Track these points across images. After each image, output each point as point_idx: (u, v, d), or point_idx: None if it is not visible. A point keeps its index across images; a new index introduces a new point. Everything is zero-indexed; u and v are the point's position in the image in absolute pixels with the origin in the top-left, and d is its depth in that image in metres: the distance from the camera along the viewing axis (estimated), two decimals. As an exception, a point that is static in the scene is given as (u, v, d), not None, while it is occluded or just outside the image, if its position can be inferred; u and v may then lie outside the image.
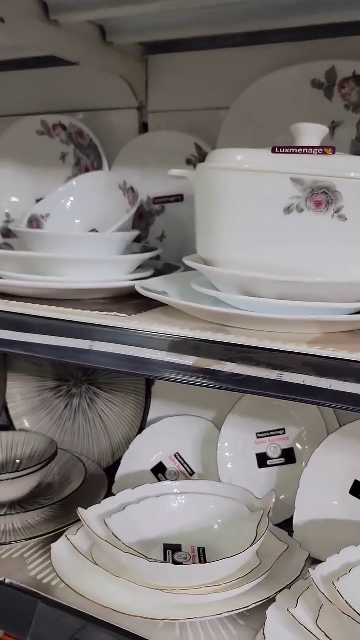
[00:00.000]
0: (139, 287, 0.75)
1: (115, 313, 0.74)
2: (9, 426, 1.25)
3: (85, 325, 0.70)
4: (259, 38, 0.98)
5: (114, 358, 0.68)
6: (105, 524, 0.84)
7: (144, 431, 1.08)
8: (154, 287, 0.76)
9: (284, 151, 0.66)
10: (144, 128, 1.10)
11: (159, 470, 1.08)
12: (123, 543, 0.80)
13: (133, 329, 0.68)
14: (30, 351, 0.72)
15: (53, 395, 1.23)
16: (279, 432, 1.02)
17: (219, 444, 1.02)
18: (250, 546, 0.79)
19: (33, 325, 0.73)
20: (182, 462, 1.08)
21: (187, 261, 0.76)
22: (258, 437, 1.02)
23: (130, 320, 0.71)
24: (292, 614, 0.72)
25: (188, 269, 0.93)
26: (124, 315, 0.73)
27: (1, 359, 1.27)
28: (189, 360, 0.63)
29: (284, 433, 1.02)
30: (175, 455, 1.08)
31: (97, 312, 0.75)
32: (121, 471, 1.06)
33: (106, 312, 0.74)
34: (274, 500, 0.88)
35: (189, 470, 1.08)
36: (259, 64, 0.98)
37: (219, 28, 0.98)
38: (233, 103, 0.98)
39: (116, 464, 1.11)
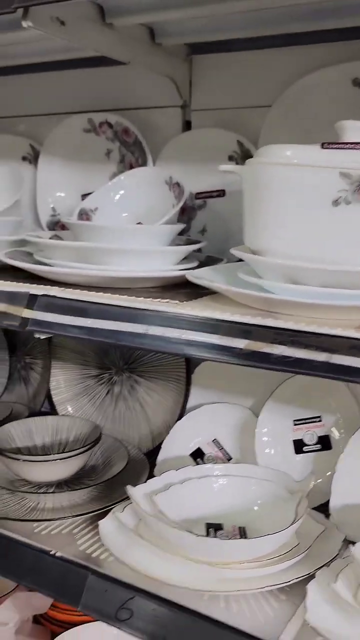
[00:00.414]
0: (190, 275, 0.79)
1: (167, 300, 0.78)
2: (52, 412, 1.31)
3: (140, 311, 0.75)
4: (299, 39, 1.02)
5: (168, 341, 0.72)
6: (153, 501, 0.88)
7: (184, 417, 1.13)
8: (203, 276, 0.80)
9: (333, 147, 0.69)
10: (187, 126, 1.14)
11: (197, 455, 1.12)
12: (170, 519, 0.85)
13: (186, 314, 0.72)
14: (89, 335, 0.77)
15: (95, 383, 1.28)
16: (315, 420, 1.05)
17: (257, 430, 1.05)
18: (291, 524, 0.83)
19: (91, 311, 0.78)
20: (220, 447, 1.12)
21: (235, 251, 0.80)
22: (295, 424, 1.06)
23: (183, 307, 0.75)
24: (333, 588, 0.76)
25: (230, 261, 0.97)
26: (176, 302, 0.77)
27: (46, 348, 1.32)
28: (240, 343, 0.67)
29: (320, 420, 1.05)
30: (213, 441, 1.12)
31: (150, 299, 0.79)
32: (162, 455, 1.10)
33: (159, 299, 0.79)
34: (313, 482, 0.92)
35: (226, 455, 1.12)
36: (300, 64, 1.02)
37: (260, 30, 1.01)
38: (275, 101, 1.02)
39: (156, 449, 1.15)
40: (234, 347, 0.67)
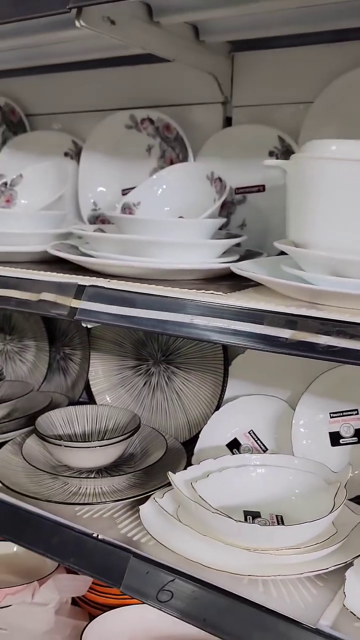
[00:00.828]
0: (235, 268, 0.81)
1: (211, 291, 0.80)
2: (90, 402, 1.34)
3: (186, 301, 0.77)
4: (342, 35, 1.03)
5: (214, 331, 0.74)
6: (193, 487, 0.91)
7: (221, 408, 1.15)
8: (247, 268, 0.82)
9: (378, 142, 0.70)
10: (227, 122, 1.16)
11: (234, 446, 1.15)
12: (210, 504, 0.87)
13: (231, 305, 0.75)
14: (136, 324, 0.79)
15: (133, 374, 1.31)
16: (352, 413, 1.07)
17: (293, 421, 1.07)
18: (330, 513, 0.85)
19: (138, 301, 0.80)
20: (256, 438, 1.14)
21: (278, 244, 0.81)
22: (331, 417, 1.07)
23: (227, 298, 0.77)
24: (371, 575, 0.77)
25: (269, 255, 0.99)
26: (221, 293, 0.80)
27: (85, 339, 1.35)
28: (286, 334, 0.69)
29: (357, 413, 1.06)
30: (249, 432, 1.14)
31: (194, 290, 0.82)
32: (199, 444, 1.13)
33: (203, 291, 0.81)
34: (350, 473, 0.93)
35: (262, 446, 1.14)
36: (342, 60, 1.03)
37: (303, 26, 1.03)
38: (317, 97, 1.03)
39: (193, 439, 1.18)
40: (280, 337, 0.69)
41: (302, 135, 1.04)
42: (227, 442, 1.15)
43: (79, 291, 0.86)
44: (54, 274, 0.92)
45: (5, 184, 1.24)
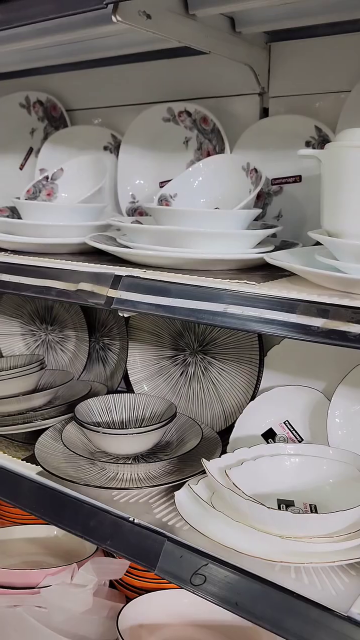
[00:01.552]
0: (268, 258, 0.82)
1: (245, 281, 0.81)
2: (128, 391, 1.37)
3: (220, 291, 0.79)
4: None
5: (247, 320, 0.75)
6: (226, 474, 0.92)
7: (257, 398, 1.16)
8: (281, 258, 0.82)
9: None
10: (264, 113, 1.16)
11: (269, 436, 1.15)
12: (243, 492, 0.88)
13: (265, 294, 0.75)
14: (170, 313, 0.81)
15: (170, 364, 1.33)
16: (388, 404, 1.06)
17: (329, 412, 1.07)
18: (363, 503, 0.85)
19: (172, 291, 0.82)
20: (291, 429, 1.14)
21: (313, 234, 0.82)
22: (368, 408, 1.07)
23: (260, 287, 0.78)
24: None
25: (305, 246, 0.99)
26: (254, 283, 0.80)
27: (123, 329, 1.38)
28: (318, 322, 0.70)
29: (394, 405, 1.05)
30: (284, 423, 1.15)
31: (228, 279, 0.83)
32: (234, 433, 1.14)
33: (236, 280, 0.82)
34: (385, 464, 0.93)
35: (297, 437, 1.14)
36: (381, 48, 1.01)
37: (340, 14, 1.02)
38: (354, 86, 1.02)
39: (228, 429, 1.19)
40: (312, 326, 0.70)
41: (339, 125, 1.04)
42: (262, 432, 1.15)
43: (116, 281, 0.88)
44: (92, 264, 0.95)
45: (47, 177, 1.27)
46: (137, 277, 0.87)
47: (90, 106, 1.41)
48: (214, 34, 0.99)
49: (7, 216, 1.21)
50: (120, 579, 1.25)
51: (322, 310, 0.70)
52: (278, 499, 0.97)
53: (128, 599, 1.20)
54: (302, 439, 1.14)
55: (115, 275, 0.89)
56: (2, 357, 1.49)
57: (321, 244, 0.82)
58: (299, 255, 0.87)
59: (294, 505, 0.96)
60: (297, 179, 1.11)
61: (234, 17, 1.03)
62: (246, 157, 1.09)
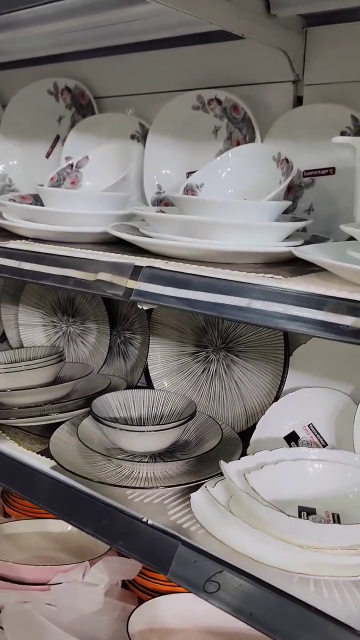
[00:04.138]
0: (297, 251, 0.77)
1: (271, 275, 0.77)
2: (148, 387, 1.33)
3: (244, 284, 0.74)
4: None
5: (271, 316, 0.71)
6: (245, 478, 0.88)
7: (280, 399, 1.11)
8: (310, 252, 0.78)
9: None
10: (298, 101, 1.11)
11: (292, 439, 1.10)
12: (262, 497, 0.84)
13: (291, 289, 0.71)
14: (191, 307, 0.77)
15: (192, 360, 1.29)
16: None
17: (356, 417, 1.02)
18: (390, 515, 0.80)
19: (194, 283, 0.78)
20: (316, 432, 1.09)
21: (345, 227, 0.77)
22: None
23: (287, 282, 0.73)
24: None
25: (337, 241, 0.94)
26: (280, 277, 0.76)
27: (145, 323, 1.35)
28: (347, 321, 0.65)
29: None
30: (309, 426, 1.10)
31: (253, 273, 0.78)
32: (256, 435, 1.10)
33: (262, 274, 0.77)
34: None
35: (321, 441, 1.09)
36: None
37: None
38: (394, 73, 0.97)
39: (250, 430, 1.14)
40: (341, 324, 0.65)
41: (377, 114, 0.98)
42: (285, 435, 1.11)
43: (135, 272, 0.85)
44: (111, 254, 0.91)
45: (71, 165, 1.24)
46: (158, 268, 0.84)
47: (119, 93, 1.38)
48: (248, 15, 0.95)
49: (30, 204, 1.19)
50: (133, 579, 1.22)
51: (353, 308, 0.65)
52: (299, 506, 0.92)
53: (140, 601, 1.17)
54: (327, 444, 1.09)
55: (135, 265, 0.85)
56: (22, 348, 1.47)
57: (354, 239, 0.77)
58: (330, 250, 0.82)
59: (315, 514, 0.91)
60: (331, 171, 1.06)
61: (270, -2, 0.98)
62: (278, 147, 1.05)
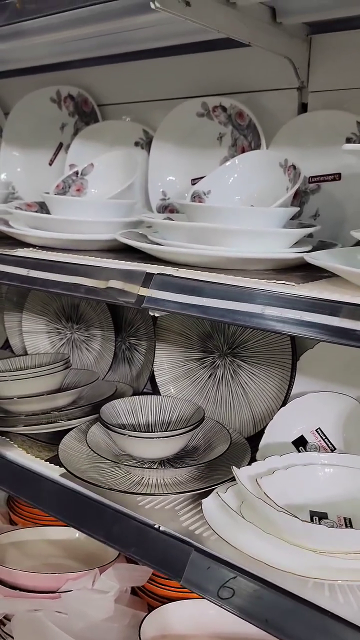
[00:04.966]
0: (308, 257, 0.78)
1: (283, 282, 0.77)
2: (154, 393, 1.33)
3: (257, 291, 0.75)
4: None
5: (286, 322, 0.71)
6: (257, 483, 0.88)
7: (288, 404, 1.11)
8: (322, 258, 0.78)
9: None
10: (303, 108, 1.12)
11: (300, 443, 1.11)
12: (275, 502, 0.84)
13: (305, 296, 0.71)
14: (204, 314, 0.77)
15: (198, 366, 1.29)
16: None
17: (365, 421, 1.02)
18: None
19: (207, 290, 0.79)
20: (324, 437, 1.10)
21: (355, 233, 0.77)
22: None
23: (300, 288, 0.74)
24: None
25: (344, 246, 0.95)
26: (293, 283, 0.76)
27: (151, 329, 1.35)
28: (362, 326, 0.65)
29: None
30: (316, 430, 1.10)
31: (265, 280, 0.79)
32: (264, 440, 1.10)
33: (274, 281, 0.78)
34: None
35: (330, 445, 1.09)
36: None
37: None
38: None
39: (257, 435, 1.15)
40: (356, 330, 0.66)
41: (382, 121, 0.99)
42: (293, 439, 1.11)
43: (147, 279, 0.85)
44: (122, 262, 0.92)
45: (77, 173, 1.25)
46: (169, 275, 0.84)
47: (122, 101, 1.38)
48: (254, 24, 0.96)
49: (36, 211, 1.19)
50: (143, 586, 1.21)
51: (368, 314, 0.66)
52: (310, 511, 0.93)
53: (150, 607, 1.16)
54: (335, 448, 1.09)
55: (147, 273, 0.86)
56: (27, 355, 1.47)
57: (363, 245, 0.78)
58: (340, 256, 0.83)
59: (327, 518, 0.91)
60: (337, 177, 1.07)
61: (275, 6, 0.99)
62: (283, 154, 1.05)
